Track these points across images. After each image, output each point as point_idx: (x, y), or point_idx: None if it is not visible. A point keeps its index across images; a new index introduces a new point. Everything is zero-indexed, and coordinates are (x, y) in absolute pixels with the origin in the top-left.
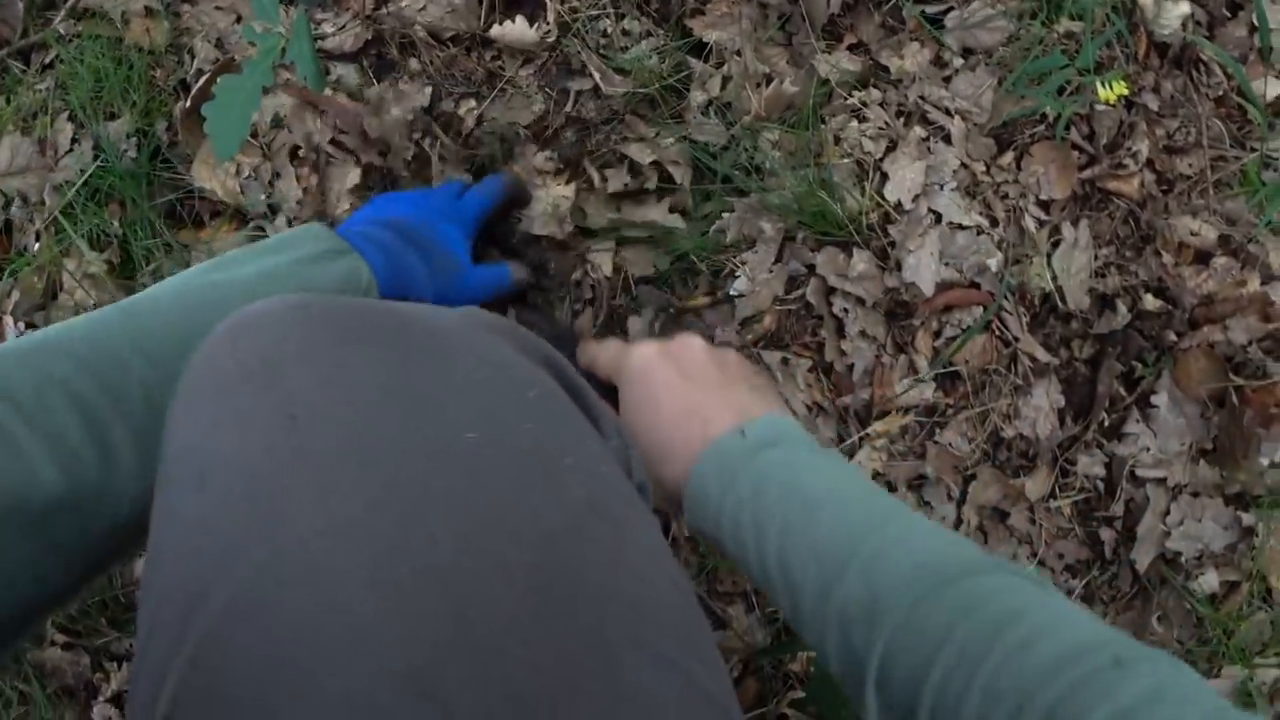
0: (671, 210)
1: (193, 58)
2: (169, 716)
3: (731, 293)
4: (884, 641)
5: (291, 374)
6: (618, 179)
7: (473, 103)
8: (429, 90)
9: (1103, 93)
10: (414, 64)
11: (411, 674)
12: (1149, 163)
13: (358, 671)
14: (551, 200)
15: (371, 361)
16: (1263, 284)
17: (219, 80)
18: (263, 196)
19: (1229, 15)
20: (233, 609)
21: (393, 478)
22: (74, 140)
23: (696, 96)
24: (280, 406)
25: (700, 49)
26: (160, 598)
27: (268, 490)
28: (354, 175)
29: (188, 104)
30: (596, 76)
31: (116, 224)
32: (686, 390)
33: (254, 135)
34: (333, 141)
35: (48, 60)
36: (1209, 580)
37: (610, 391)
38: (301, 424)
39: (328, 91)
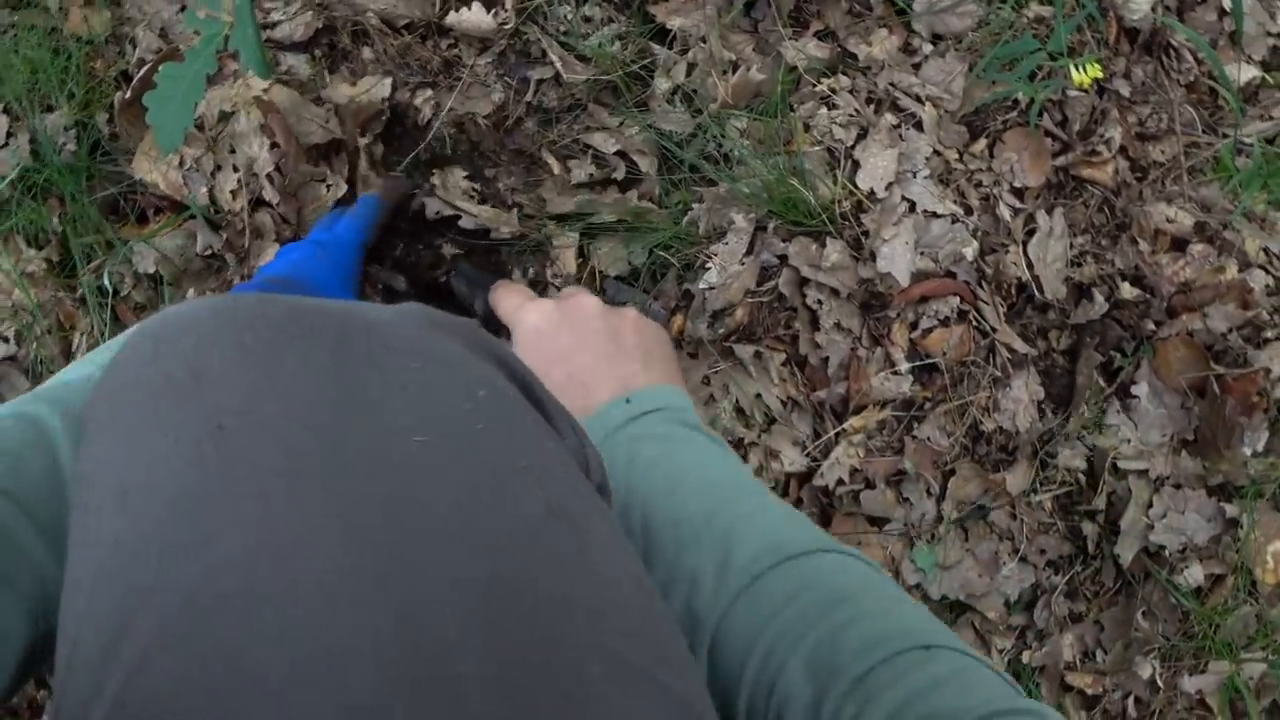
0: (640, 200)
1: (134, 47)
2: None
3: (702, 285)
4: (724, 608)
5: (219, 381)
6: (581, 170)
7: (429, 92)
8: (388, 81)
9: (1077, 76)
10: (367, 53)
11: (355, 710)
12: (1122, 149)
13: (297, 710)
14: (486, 216)
15: (305, 364)
16: (1240, 270)
17: (161, 69)
18: (204, 189)
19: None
20: (158, 643)
21: (331, 489)
22: (9, 134)
23: (661, 84)
24: (207, 416)
25: (663, 35)
26: (79, 629)
27: (195, 507)
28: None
29: (128, 94)
30: (557, 64)
31: (56, 220)
32: (572, 358)
33: (200, 127)
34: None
35: None
36: (1193, 573)
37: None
38: (231, 434)
39: (272, 81)
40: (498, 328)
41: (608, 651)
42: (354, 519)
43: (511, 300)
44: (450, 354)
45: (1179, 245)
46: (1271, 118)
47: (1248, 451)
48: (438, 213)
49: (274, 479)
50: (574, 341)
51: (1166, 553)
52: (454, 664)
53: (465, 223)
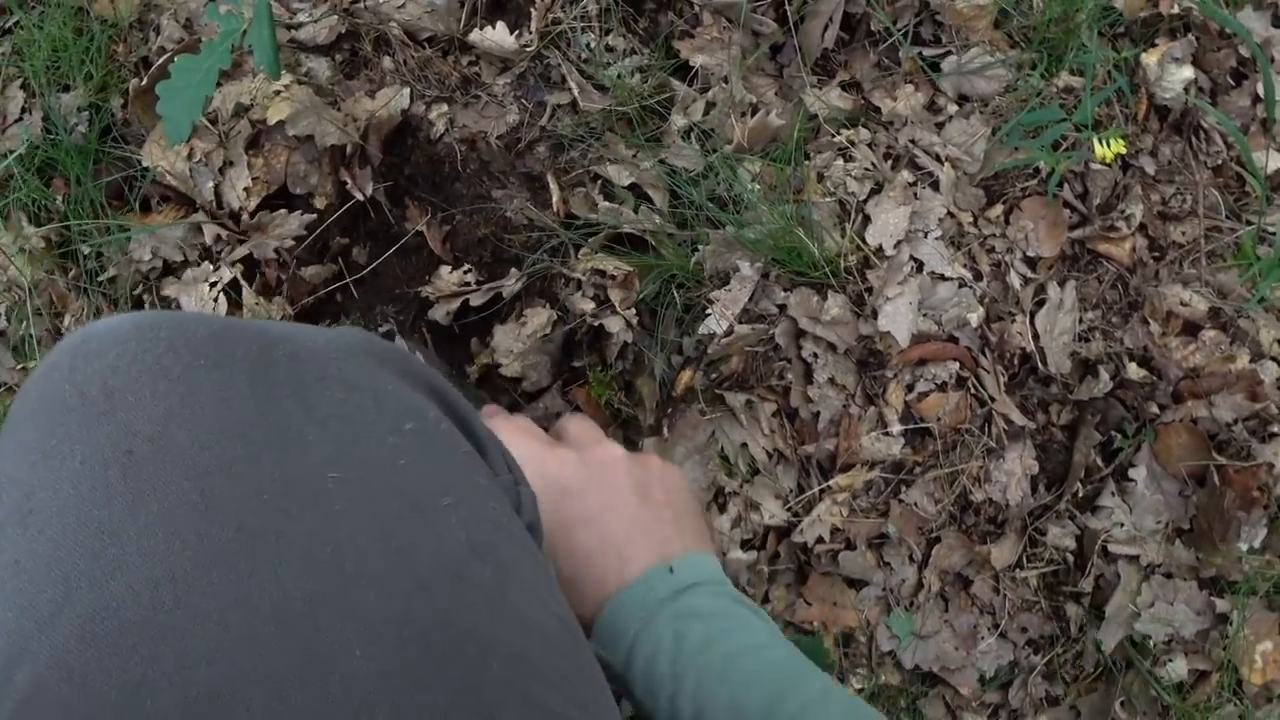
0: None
1: (157, 35)
2: None
3: (702, 332)
4: None
5: (132, 403)
6: (586, 201)
7: (445, 107)
8: (406, 92)
9: (1100, 150)
10: (388, 62)
11: None
12: (1142, 227)
13: None
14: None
15: (224, 390)
16: (1251, 361)
17: (176, 60)
18: (210, 184)
19: (1233, 83)
20: (54, 672)
21: (241, 523)
22: (24, 110)
23: (677, 120)
24: (118, 440)
25: (685, 71)
26: None
27: (99, 534)
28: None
29: (144, 82)
30: (575, 91)
31: (60, 200)
32: (603, 520)
33: (213, 121)
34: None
35: (7, 25)
36: (1177, 667)
37: None
38: (140, 460)
39: (292, 81)
40: None
41: (527, 699)
42: (261, 555)
43: (523, 444)
44: (379, 385)
45: (1191, 330)
46: None
47: (1244, 547)
48: (448, 313)
49: (181, 510)
50: (603, 502)
51: (1151, 643)
52: (364, 711)
53: (474, 300)
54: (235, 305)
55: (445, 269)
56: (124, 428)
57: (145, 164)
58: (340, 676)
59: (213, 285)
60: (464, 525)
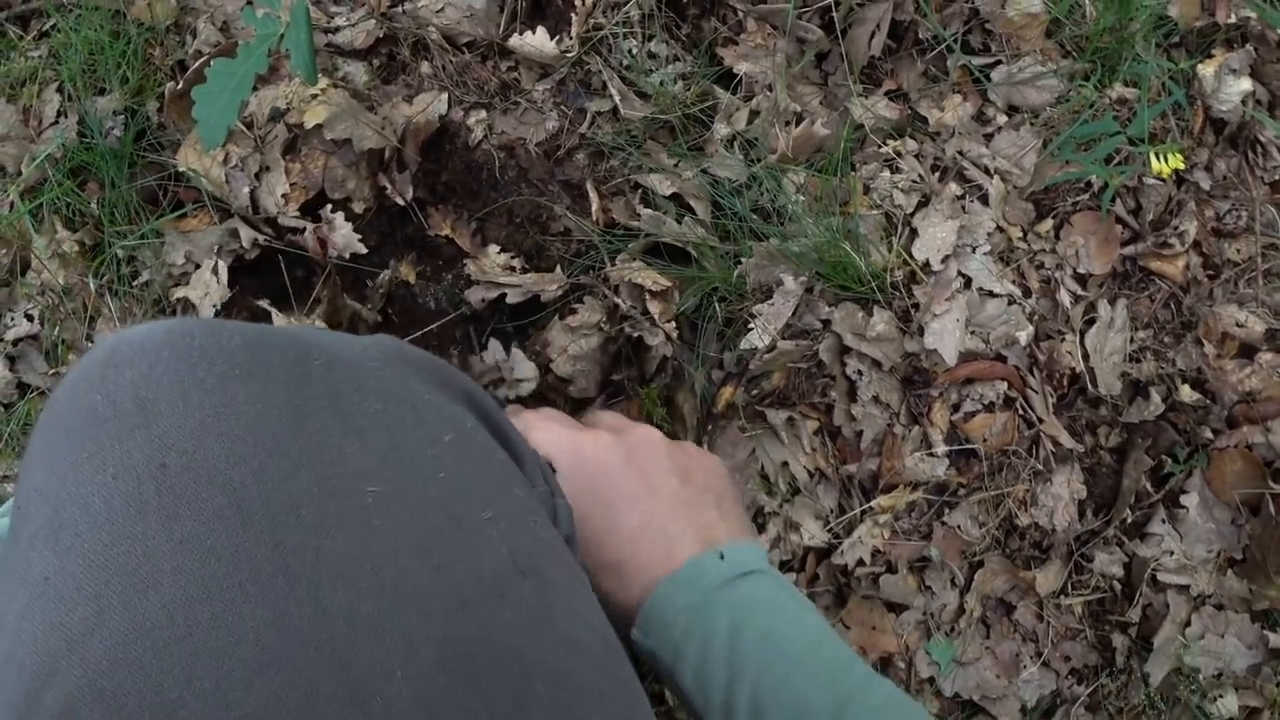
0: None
1: (194, 38)
2: None
3: (744, 346)
4: None
5: (165, 414)
6: (626, 209)
7: (483, 113)
8: (444, 97)
9: (1156, 165)
10: (425, 68)
11: None
12: (1196, 244)
13: None
14: (530, 283)
15: (260, 402)
16: None
17: (212, 64)
18: (246, 189)
19: None
20: (86, 694)
21: (279, 540)
22: (60, 113)
23: (720, 129)
24: (151, 453)
25: (729, 79)
26: (2, 670)
27: (131, 551)
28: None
29: (180, 85)
30: (616, 98)
31: (94, 204)
32: (645, 503)
33: (249, 125)
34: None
35: (44, 28)
36: (1228, 703)
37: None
38: (173, 474)
39: (329, 85)
40: None
41: (572, 718)
42: (299, 573)
43: (557, 429)
44: (416, 395)
45: (1247, 352)
46: None
47: None
48: (483, 299)
49: (217, 526)
50: (645, 483)
51: (1200, 676)
52: None
53: (512, 297)
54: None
55: (493, 248)
56: (157, 441)
57: (180, 168)
58: (382, 700)
59: None
60: (505, 540)
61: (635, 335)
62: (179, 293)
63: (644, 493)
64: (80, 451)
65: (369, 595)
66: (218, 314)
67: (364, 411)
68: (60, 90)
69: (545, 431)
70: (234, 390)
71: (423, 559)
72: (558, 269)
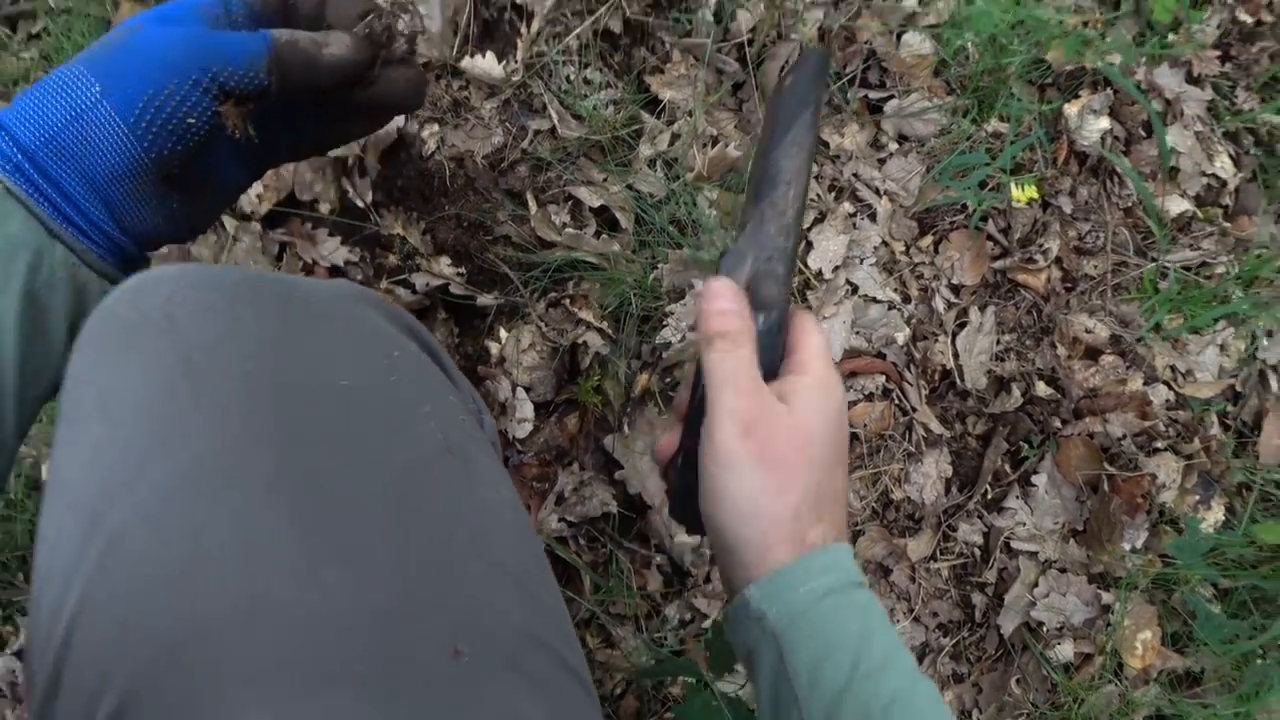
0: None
1: None
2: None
3: (658, 341)
4: None
5: (188, 325)
6: (558, 217)
7: (436, 127)
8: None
9: (1016, 193)
10: None
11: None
12: (1058, 260)
13: (248, 577)
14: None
15: (260, 319)
16: (1144, 384)
17: None
18: None
19: (1144, 134)
20: (134, 520)
21: (279, 416)
22: None
23: (645, 150)
24: (179, 349)
25: (655, 105)
26: (63, 516)
27: (166, 418)
28: None
29: None
30: (555, 119)
31: None
32: (841, 475)
33: None
34: None
35: (35, 30)
36: (1065, 650)
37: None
38: (197, 365)
39: None
40: None
41: (488, 559)
42: (295, 434)
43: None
44: (372, 323)
45: (1093, 354)
46: (1199, 249)
47: (1127, 547)
48: (427, 284)
49: (233, 403)
50: (842, 452)
51: (1044, 629)
52: (370, 547)
53: (454, 289)
54: None
55: (445, 259)
56: (183, 343)
57: None
58: (354, 522)
59: None
60: (440, 430)
61: (580, 340)
62: None
63: (842, 463)
64: (119, 350)
65: (342, 454)
66: None
67: (334, 330)
68: None
69: (824, 349)
70: (240, 311)
71: (381, 435)
72: (494, 293)
